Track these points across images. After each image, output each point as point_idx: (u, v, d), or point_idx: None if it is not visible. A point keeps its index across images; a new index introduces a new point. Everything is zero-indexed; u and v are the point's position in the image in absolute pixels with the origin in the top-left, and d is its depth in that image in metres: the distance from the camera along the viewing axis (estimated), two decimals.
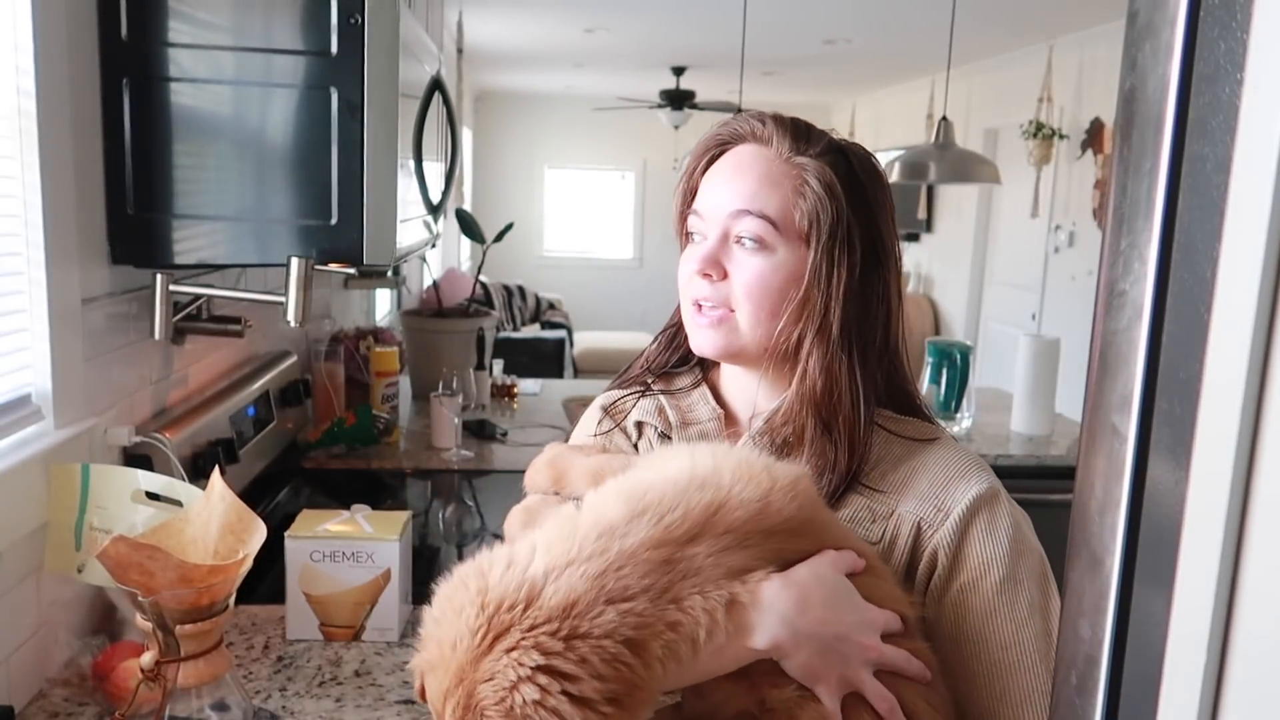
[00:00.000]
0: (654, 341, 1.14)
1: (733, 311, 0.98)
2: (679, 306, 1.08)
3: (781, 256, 0.96)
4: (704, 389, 1.08)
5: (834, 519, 0.91)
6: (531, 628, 0.71)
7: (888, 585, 0.88)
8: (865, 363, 0.97)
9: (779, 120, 1.00)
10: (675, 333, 1.10)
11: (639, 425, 1.08)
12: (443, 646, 0.74)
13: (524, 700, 0.69)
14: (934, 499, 0.95)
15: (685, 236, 1.05)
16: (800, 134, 0.99)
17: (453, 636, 0.73)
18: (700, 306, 1.00)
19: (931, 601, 0.94)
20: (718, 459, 0.84)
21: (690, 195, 1.04)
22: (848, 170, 0.97)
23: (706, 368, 1.10)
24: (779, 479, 0.83)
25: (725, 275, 0.98)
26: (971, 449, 1.04)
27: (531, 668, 0.70)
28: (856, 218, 0.96)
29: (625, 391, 1.11)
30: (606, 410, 1.11)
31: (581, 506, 0.82)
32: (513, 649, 0.71)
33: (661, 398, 1.08)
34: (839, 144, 0.99)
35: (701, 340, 1.01)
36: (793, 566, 0.81)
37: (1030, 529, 0.97)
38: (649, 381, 1.10)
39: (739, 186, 0.97)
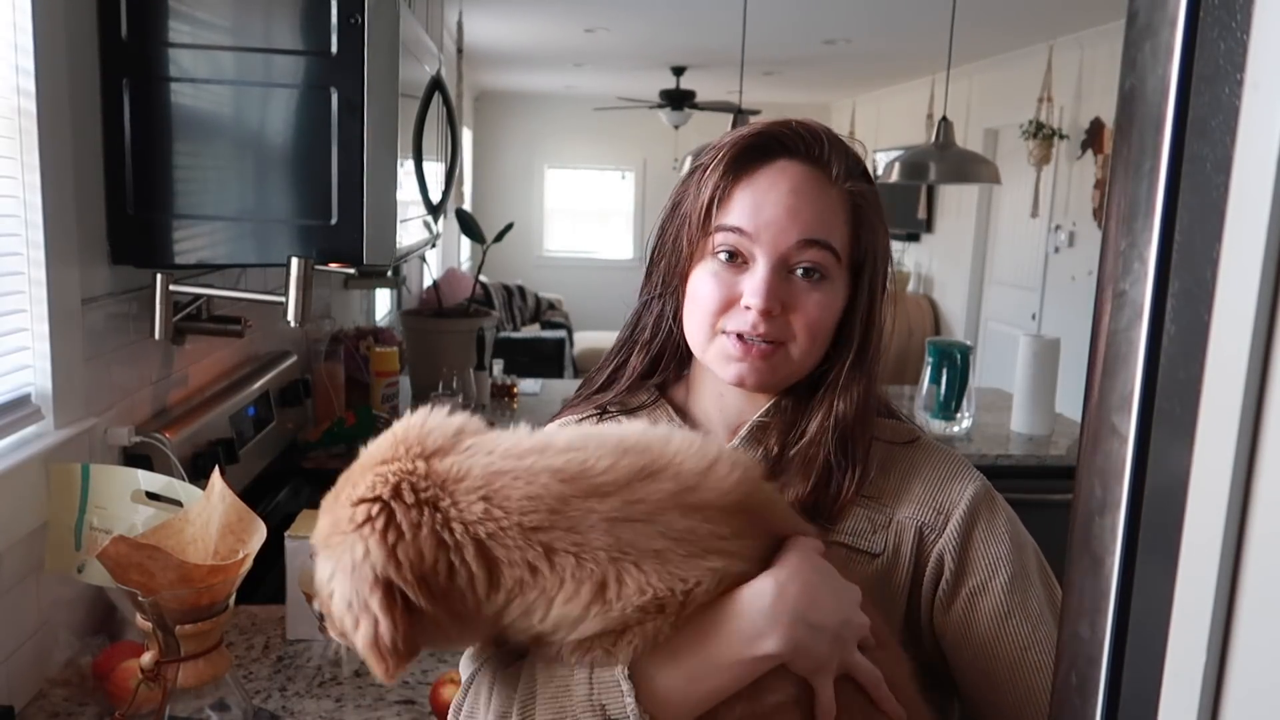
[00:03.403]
0: (624, 361, 1.03)
1: (783, 345, 0.91)
2: (641, 322, 1.01)
3: (837, 288, 0.92)
4: (666, 407, 1.00)
5: (782, 500, 0.86)
6: (411, 461, 0.72)
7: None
8: (874, 381, 0.95)
9: (834, 141, 0.93)
10: (659, 357, 1.01)
11: None
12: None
13: (361, 518, 0.69)
14: (931, 502, 0.93)
15: (705, 248, 0.93)
16: (852, 158, 0.93)
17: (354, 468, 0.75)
18: (743, 338, 0.91)
19: (939, 607, 0.91)
20: (672, 433, 0.81)
21: (716, 204, 0.92)
22: (876, 196, 0.94)
23: (666, 386, 1.02)
24: (724, 455, 0.79)
25: (782, 309, 0.90)
26: (952, 449, 1.02)
27: (388, 489, 0.70)
28: (888, 244, 0.94)
29: (580, 415, 1.01)
30: None
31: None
32: (386, 463, 0.72)
33: (622, 419, 0.99)
34: (865, 168, 0.95)
35: (745, 373, 0.91)
36: (775, 560, 0.77)
37: (1019, 521, 0.96)
38: (605, 404, 1.01)
39: (805, 215, 0.89)
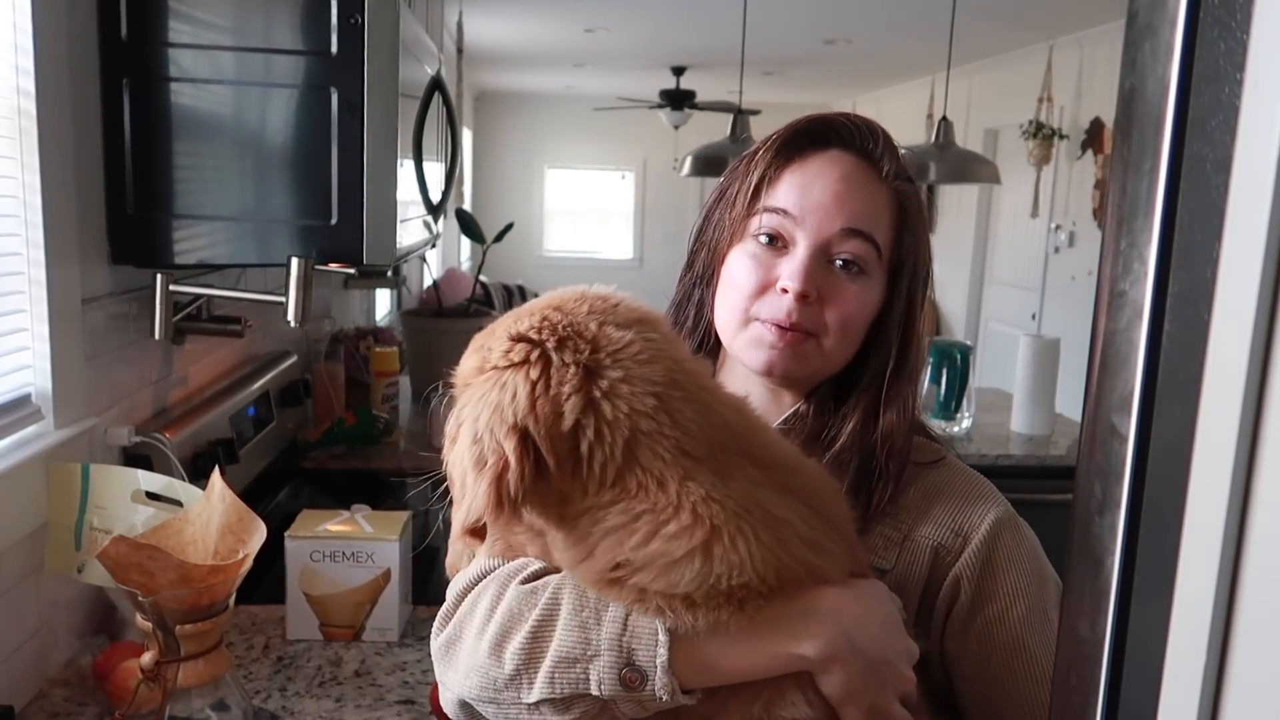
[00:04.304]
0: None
1: (815, 336, 0.89)
2: (684, 312, 0.99)
3: (874, 285, 0.90)
4: None
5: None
6: (586, 319, 0.70)
7: None
8: (917, 393, 0.94)
9: (887, 139, 0.92)
10: (699, 348, 0.98)
11: None
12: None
13: (518, 358, 0.68)
14: (950, 523, 0.89)
15: (745, 229, 0.91)
16: (899, 157, 0.92)
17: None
18: (776, 324, 0.88)
19: (953, 634, 0.88)
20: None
21: (762, 186, 0.91)
22: (921, 202, 0.93)
23: None
24: (843, 493, 0.82)
25: (818, 297, 0.88)
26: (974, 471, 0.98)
27: (554, 339, 0.68)
28: (930, 252, 0.94)
29: None
30: None
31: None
32: (560, 310, 0.70)
33: None
34: (910, 174, 0.94)
35: (774, 359, 0.88)
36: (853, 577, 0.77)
37: (1043, 552, 0.92)
38: None
39: (852, 204, 0.88)
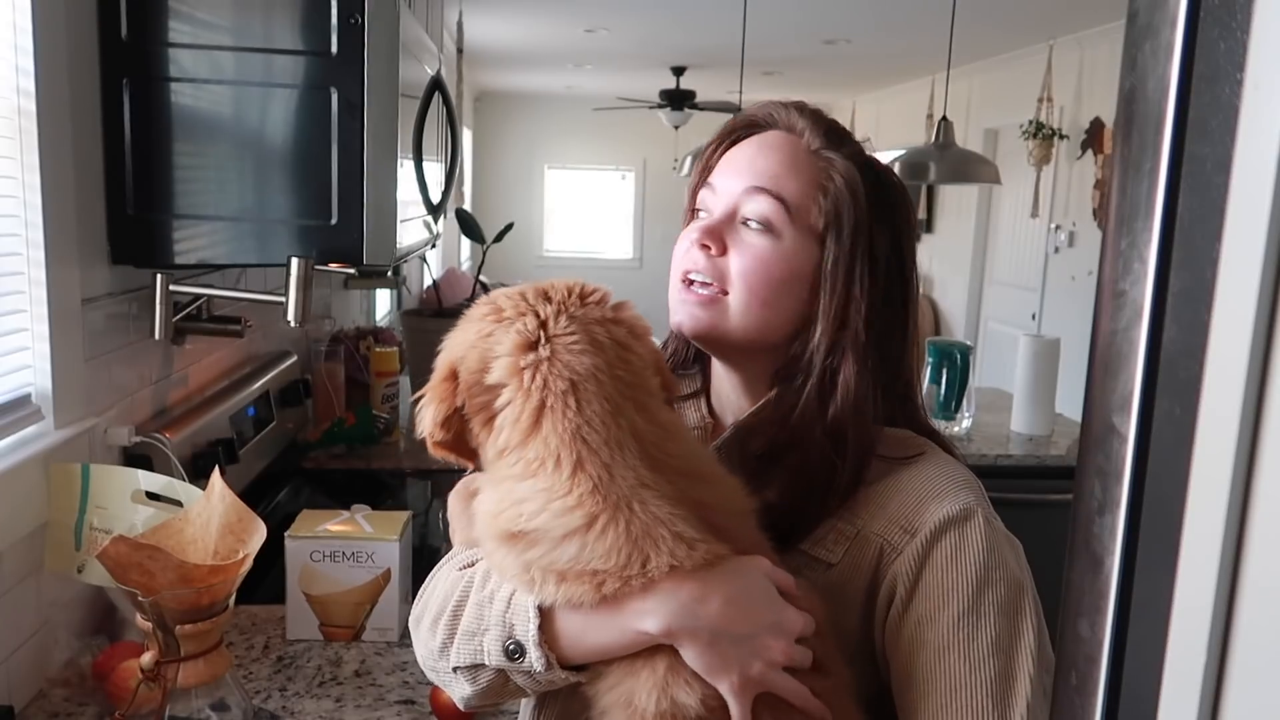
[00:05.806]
0: (666, 343, 1.04)
1: (725, 294, 0.90)
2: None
3: (788, 246, 0.89)
4: (700, 399, 1.00)
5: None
6: (554, 306, 0.79)
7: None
8: (887, 387, 0.91)
9: (815, 115, 0.95)
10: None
11: None
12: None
13: (481, 313, 0.81)
14: (902, 519, 0.86)
15: (692, 214, 0.97)
16: (832, 133, 0.94)
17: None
18: (690, 282, 0.92)
19: (890, 633, 0.85)
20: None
21: (705, 174, 0.97)
22: (875, 181, 0.92)
23: (707, 376, 1.01)
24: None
25: (724, 252, 0.90)
26: (963, 466, 0.93)
27: (514, 311, 0.79)
28: (881, 230, 0.91)
29: None
30: None
31: None
32: (541, 296, 0.81)
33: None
34: (869, 158, 0.94)
35: (683, 316, 0.92)
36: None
37: (1014, 555, 0.86)
38: None
39: (759, 165, 0.92)
